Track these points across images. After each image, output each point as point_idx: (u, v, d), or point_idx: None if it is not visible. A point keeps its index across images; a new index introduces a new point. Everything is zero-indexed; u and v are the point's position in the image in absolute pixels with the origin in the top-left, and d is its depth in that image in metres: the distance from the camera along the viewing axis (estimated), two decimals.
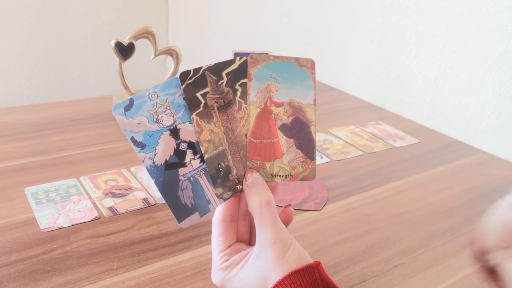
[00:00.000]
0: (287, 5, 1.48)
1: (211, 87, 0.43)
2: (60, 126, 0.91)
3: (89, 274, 0.54)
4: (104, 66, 2.14)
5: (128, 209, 0.66)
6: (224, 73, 0.43)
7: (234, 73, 0.43)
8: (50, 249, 0.57)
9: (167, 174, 0.43)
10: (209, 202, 0.44)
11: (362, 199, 0.74)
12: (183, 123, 0.43)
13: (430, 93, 1.09)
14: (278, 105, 0.45)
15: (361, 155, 0.90)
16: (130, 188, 0.71)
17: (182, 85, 0.42)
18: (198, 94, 0.43)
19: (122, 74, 0.94)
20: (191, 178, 0.43)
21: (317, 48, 1.40)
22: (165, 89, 0.42)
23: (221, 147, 0.44)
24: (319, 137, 0.95)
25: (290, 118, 0.45)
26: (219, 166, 0.44)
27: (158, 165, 0.42)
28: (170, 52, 0.99)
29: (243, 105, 0.44)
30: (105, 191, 0.70)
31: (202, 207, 0.44)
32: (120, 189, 0.71)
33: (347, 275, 0.57)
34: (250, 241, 0.48)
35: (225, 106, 0.44)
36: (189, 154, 0.43)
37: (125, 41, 0.91)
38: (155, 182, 0.43)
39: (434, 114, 1.09)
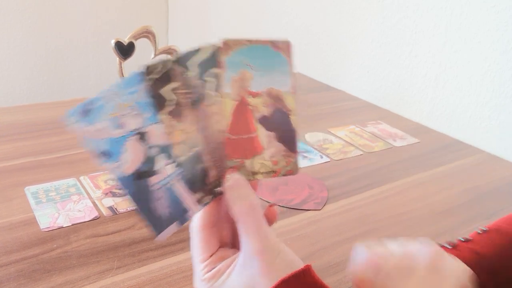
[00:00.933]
0: (287, 5, 1.49)
1: (180, 81, 0.38)
2: (60, 126, 0.91)
3: (89, 273, 0.54)
4: (104, 66, 2.14)
5: (128, 208, 0.66)
6: (193, 63, 0.38)
7: (205, 63, 0.38)
8: (50, 248, 0.57)
9: (139, 184, 0.38)
10: (187, 210, 0.40)
11: (362, 199, 0.74)
12: (151, 124, 0.37)
13: (430, 93, 1.09)
14: (255, 95, 0.41)
15: (361, 155, 0.90)
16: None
17: (146, 80, 0.37)
18: (166, 90, 0.37)
19: (122, 74, 0.94)
20: (166, 186, 0.38)
21: (317, 48, 1.40)
22: (128, 86, 0.36)
23: (196, 148, 0.39)
24: (318, 136, 0.95)
25: (270, 109, 0.41)
26: (195, 169, 0.39)
27: (128, 175, 0.38)
28: (170, 52, 0.98)
29: (216, 99, 0.39)
30: (105, 190, 0.70)
31: (181, 216, 0.40)
32: (120, 189, 0.71)
33: (347, 275, 0.57)
34: (234, 244, 0.44)
35: (197, 101, 0.38)
36: (161, 159, 0.38)
37: (125, 41, 0.91)
38: (126, 195, 0.38)
39: (434, 114, 1.09)
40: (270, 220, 0.43)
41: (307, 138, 0.94)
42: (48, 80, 2.04)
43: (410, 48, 1.12)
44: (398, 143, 0.96)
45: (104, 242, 0.59)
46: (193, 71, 0.38)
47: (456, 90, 1.04)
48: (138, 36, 0.93)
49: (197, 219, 0.42)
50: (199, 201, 0.40)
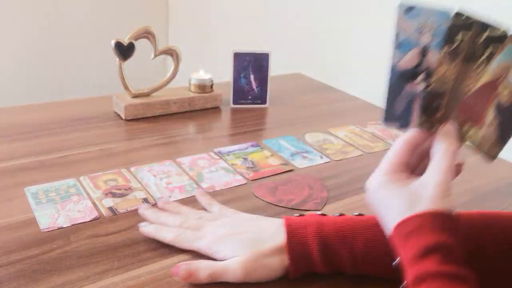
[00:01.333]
0: (287, 5, 1.49)
1: (469, 38, 0.47)
2: (60, 126, 0.91)
3: (89, 274, 0.54)
4: (104, 66, 2.14)
5: (128, 209, 0.66)
6: (485, 34, 0.47)
7: (491, 39, 0.47)
8: (50, 249, 0.57)
9: (399, 80, 0.50)
10: (411, 121, 0.50)
11: (362, 199, 0.74)
12: (434, 49, 0.48)
13: None
14: (506, 85, 0.48)
15: (361, 155, 0.90)
16: (130, 188, 0.71)
17: (452, 21, 0.47)
18: (457, 36, 0.47)
19: (122, 74, 0.94)
20: (411, 95, 0.50)
21: (317, 48, 1.40)
22: (439, 17, 0.47)
23: (445, 87, 0.48)
24: (318, 137, 0.95)
25: (508, 102, 0.48)
26: (434, 100, 0.49)
27: (399, 68, 0.49)
28: (170, 52, 0.99)
29: (481, 68, 0.48)
30: (105, 191, 0.70)
31: (404, 122, 0.51)
32: (120, 189, 0.71)
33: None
34: (414, 171, 0.51)
35: (469, 59, 0.48)
36: (421, 76, 0.49)
37: (125, 41, 0.91)
38: (388, 81, 0.50)
39: None
40: (456, 173, 0.50)
41: (307, 138, 0.94)
42: (48, 80, 2.04)
43: None
44: None
45: (104, 242, 0.59)
46: (481, 38, 0.47)
47: None
48: (138, 36, 0.93)
49: (407, 134, 0.50)
50: (419, 123, 0.50)
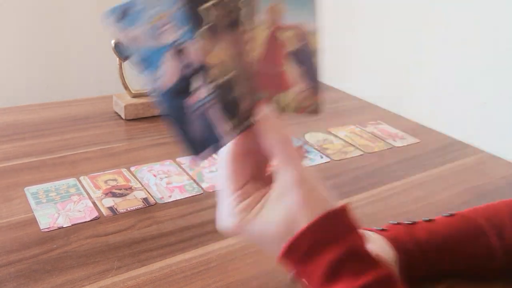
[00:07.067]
0: None
1: (216, 2, 0.36)
2: (60, 126, 0.91)
3: (89, 274, 0.54)
4: (104, 66, 2.13)
5: (128, 208, 0.66)
6: None
7: None
8: (50, 248, 0.57)
9: (175, 103, 0.37)
10: (221, 136, 0.38)
11: (362, 199, 0.74)
12: (188, 40, 0.35)
13: (430, 93, 1.09)
14: (286, 29, 0.40)
15: (361, 155, 0.90)
16: (130, 188, 0.71)
17: None
18: (203, 8, 0.36)
19: (122, 74, 0.94)
20: (201, 109, 0.37)
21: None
22: (165, 1, 0.35)
23: (229, 74, 0.37)
24: (318, 137, 0.95)
25: (298, 45, 0.40)
26: (229, 95, 0.38)
27: (165, 91, 0.37)
28: None
29: (250, 27, 0.38)
30: (105, 191, 0.70)
31: (215, 141, 0.39)
32: (120, 189, 0.71)
33: None
34: (260, 180, 0.42)
35: (232, 25, 0.37)
36: (196, 80, 0.37)
37: None
38: (161, 112, 0.38)
39: (434, 114, 1.09)
40: (301, 157, 0.41)
41: (307, 138, 0.94)
42: (48, 80, 2.04)
43: (410, 48, 1.12)
44: (398, 143, 0.96)
45: (104, 242, 0.59)
46: None
47: (456, 90, 1.04)
48: None
49: (228, 149, 0.40)
50: (232, 129, 0.39)
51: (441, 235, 0.54)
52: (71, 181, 0.72)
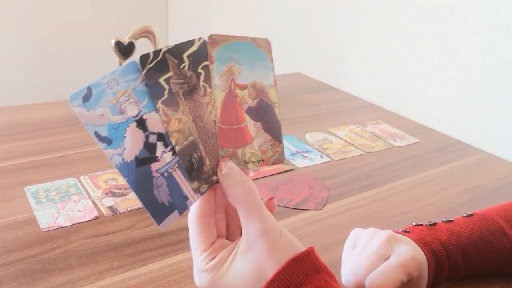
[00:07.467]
0: (287, 5, 1.49)
1: (174, 71, 0.39)
2: (60, 126, 0.91)
3: (89, 273, 0.54)
4: (104, 66, 2.13)
5: (128, 208, 0.66)
6: (185, 56, 0.40)
7: (195, 55, 0.40)
8: (50, 248, 0.57)
9: (139, 171, 0.39)
10: (186, 198, 0.41)
11: (362, 199, 0.74)
12: (149, 112, 0.39)
13: (430, 93, 1.09)
14: (243, 87, 0.43)
15: (361, 154, 0.90)
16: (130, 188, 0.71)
17: (143, 69, 0.38)
18: (161, 80, 0.39)
19: None
20: (165, 174, 0.40)
21: (317, 48, 1.40)
22: (125, 75, 0.37)
23: (191, 137, 0.41)
24: (318, 136, 0.95)
25: (255, 101, 0.44)
26: (192, 157, 0.41)
27: (128, 161, 0.39)
28: None
29: (208, 90, 0.41)
30: (105, 190, 0.70)
31: (180, 204, 0.41)
32: (120, 189, 0.71)
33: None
34: (228, 236, 0.45)
35: (190, 91, 0.40)
36: (159, 147, 0.39)
37: (125, 40, 0.91)
38: (127, 181, 0.39)
39: (434, 114, 1.09)
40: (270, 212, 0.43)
41: (307, 138, 0.94)
42: (48, 80, 2.04)
43: (410, 48, 1.12)
44: (398, 143, 0.96)
45: (104, 242, 0.59)
46: (185, 63, 0.40)
47: (456, 90, 1.04)
48: (138, 36, 0.93)
49: (195, 209, 0.42)
50: (197, 190, 0.41)
51: (462, 235, 0.54)
52: (71, 180, 0.72)
